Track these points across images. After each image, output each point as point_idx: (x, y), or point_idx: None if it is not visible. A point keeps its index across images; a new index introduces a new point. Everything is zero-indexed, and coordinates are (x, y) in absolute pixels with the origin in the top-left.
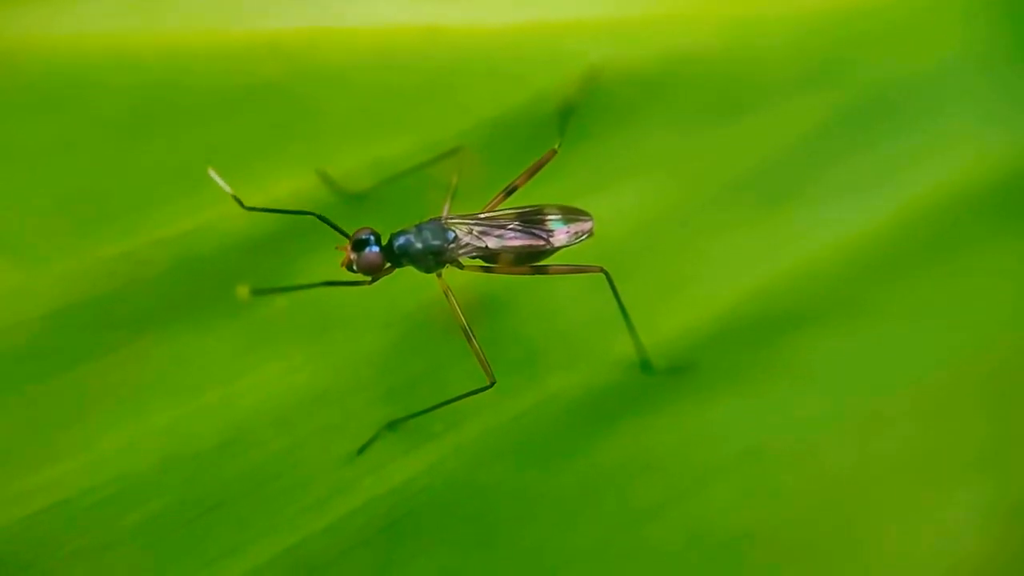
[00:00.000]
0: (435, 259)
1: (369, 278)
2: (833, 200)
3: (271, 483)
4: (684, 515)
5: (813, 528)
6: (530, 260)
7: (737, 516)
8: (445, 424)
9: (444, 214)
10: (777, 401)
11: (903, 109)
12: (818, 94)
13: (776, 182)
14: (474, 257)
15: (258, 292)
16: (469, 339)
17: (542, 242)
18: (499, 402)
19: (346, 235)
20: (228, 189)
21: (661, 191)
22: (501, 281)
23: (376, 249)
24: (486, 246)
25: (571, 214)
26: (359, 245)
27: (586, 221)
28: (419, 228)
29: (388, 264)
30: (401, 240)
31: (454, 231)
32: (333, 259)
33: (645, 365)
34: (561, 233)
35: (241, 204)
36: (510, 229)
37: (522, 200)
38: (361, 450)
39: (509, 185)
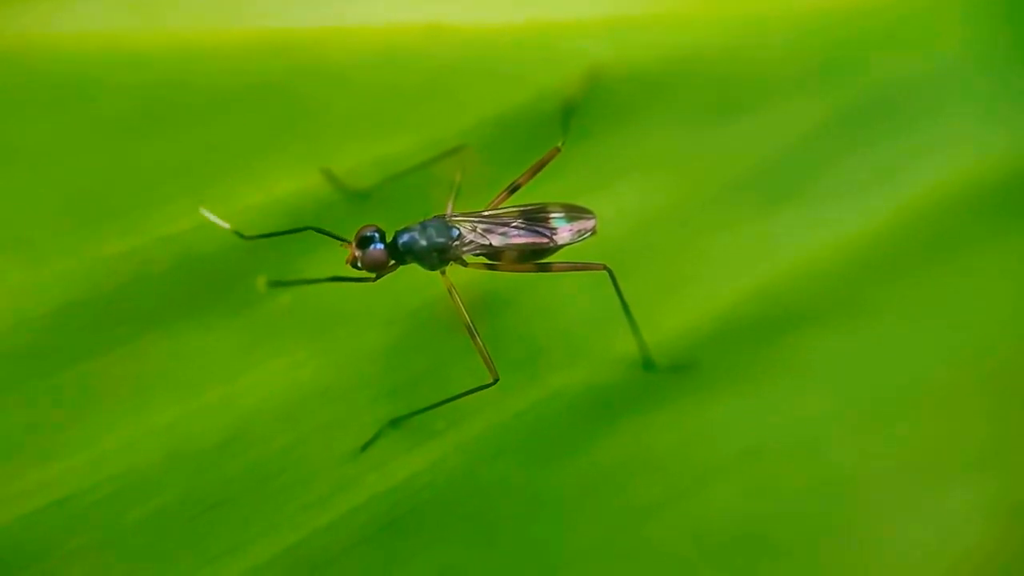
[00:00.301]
0: (439, 256)
1: (373, 275)
2: (833, 200)
3: (273, 480)
4: (684, 514)
5: (813, 528)
6: (534, 257)
7: (737, 515)
8: (447, 421)
9: (448, 212)
10: (777, 400)
11: (903, 109)
12: (818, 94)
13: (776, 182)
14: (478, 255)
15: (274, 284)
16: (472, 336)
17: (545, 240)
18: (501, 399)
19: (344, 240)
20: (225, 225)
21: (662, 190)
22: (503, 279)
23: (380, 246)
24: (490, 243)
25: (574, 211)
26: (363, 242)
27: (589, 219)
28: (423, 225)
29: (392, 261)
30: (405, 237)
31: (458, 228)
32: (335, 258)
33: (647, 363)
34: (564, 231)
35: (241, 236)
36: (513, 227)
37: (524, 198)
38: (364, 447)
39: (512, 183)
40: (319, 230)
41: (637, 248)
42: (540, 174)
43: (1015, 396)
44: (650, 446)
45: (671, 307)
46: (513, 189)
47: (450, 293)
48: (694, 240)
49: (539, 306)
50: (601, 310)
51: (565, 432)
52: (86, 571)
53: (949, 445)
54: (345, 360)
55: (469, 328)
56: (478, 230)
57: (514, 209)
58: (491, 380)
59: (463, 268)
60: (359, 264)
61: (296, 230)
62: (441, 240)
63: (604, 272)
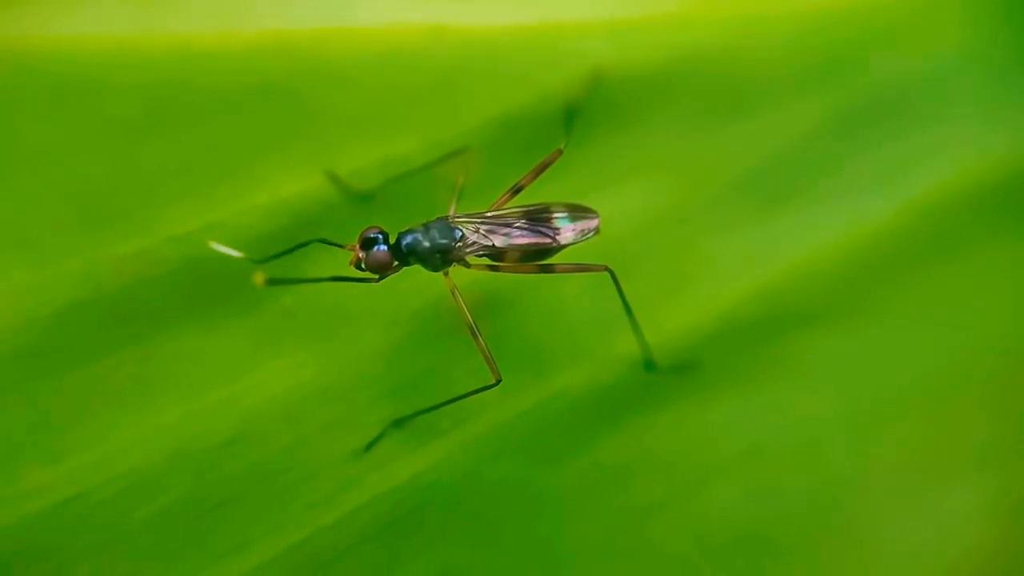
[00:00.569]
0: (442, 258)
1: (376, 276)
2: (833, 200)
3: (277, 479)
4: (686, 513)
5: (813, 528)
6: (537, 258)
7: (738, 515)
8: (451, 421)
9: (451, 213)
10: (778, 401)
11: (903, 109)
12: (818, 94)
13: (777, 182)
14: (481, 255)
15: (273, 282)
16: (475, 337)
17: (548, 240)
18: (504, 400)
19: (348, 246)
20: (237, 254)
21: (663, 191)
22: (506, 280)
23: (384, 248)
24: (493, 244)
25: (577, 211)
26: (367, 243)
27: (592, 219)
28: (426, 227)
29: (396, 262)
30: (409, 239)
31: (461, 230)
32: (339, 258)
33: (648, 363)
34: (568, 231)
35: (254, 261)
36: (516, 227)
37: (527, 199)
38: (368, 447)
39: (515, 184)
40: (326, 241)
41: (639, 249)
42: (543, 175)
43: (1015, 396)
44: (652, 446)
45: (672, 308)
46: (516, 190)
47: (453, 294)
48: (695, 241)
49: (541, 307)
50: (603, 311)
51: (567, 432)
52: (92, 570)
53: (949, 445)
54: (348, 360)
55: (472, 329)
56: (481, 231)
57: (517, 209)
58: (494, 381)
59: (466, 269)
60: (363, 265)
61: (303, 244)
62: (444, 241)
63: (606, 273)
